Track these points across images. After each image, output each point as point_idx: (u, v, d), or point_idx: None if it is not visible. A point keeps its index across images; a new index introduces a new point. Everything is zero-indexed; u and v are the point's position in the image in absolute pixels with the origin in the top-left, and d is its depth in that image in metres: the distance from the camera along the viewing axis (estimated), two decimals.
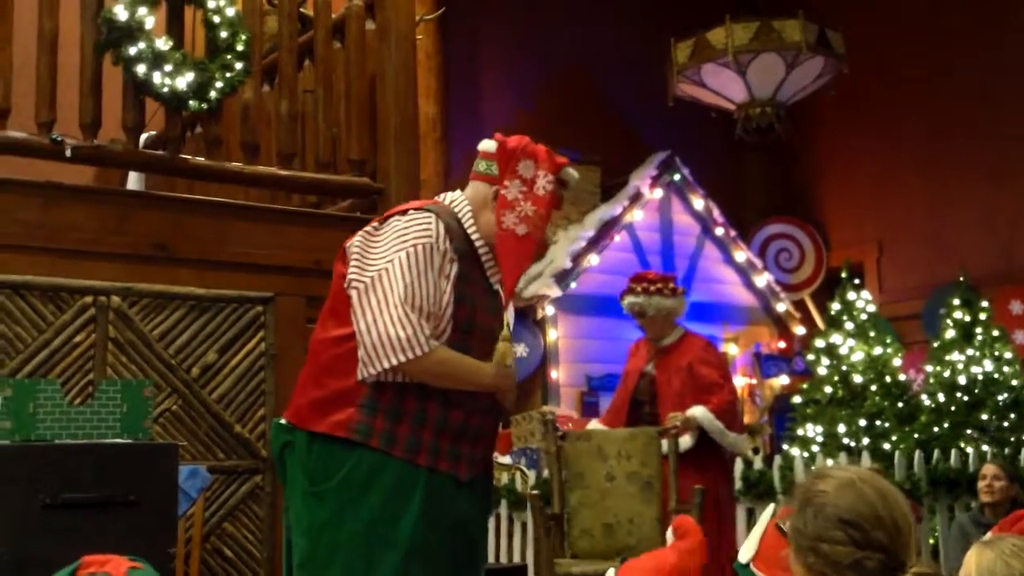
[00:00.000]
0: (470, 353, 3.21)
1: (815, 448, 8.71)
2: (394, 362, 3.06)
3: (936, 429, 8.71)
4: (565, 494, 5.57)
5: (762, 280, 12.62)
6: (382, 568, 3.07)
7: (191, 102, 5.25)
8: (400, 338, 3.05)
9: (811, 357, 9.55)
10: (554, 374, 11.20)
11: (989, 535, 2.45)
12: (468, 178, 3.53)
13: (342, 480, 3.11)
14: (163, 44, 5.15)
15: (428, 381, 3.15)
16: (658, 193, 12.06)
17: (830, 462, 7.83)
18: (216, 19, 5.31)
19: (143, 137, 5.61)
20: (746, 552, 2.47)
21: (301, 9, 6.30)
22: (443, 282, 3.16)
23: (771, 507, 2.55)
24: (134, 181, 6.54)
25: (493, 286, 3.33)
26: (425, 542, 3.11)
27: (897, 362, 9.27)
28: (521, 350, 10.68)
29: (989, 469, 6.61)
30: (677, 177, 12.17)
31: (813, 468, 7.65)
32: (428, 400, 3.16)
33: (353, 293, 3.15)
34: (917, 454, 7.77)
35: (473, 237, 3.28)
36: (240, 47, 5.32)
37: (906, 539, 2.10)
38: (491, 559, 7.89)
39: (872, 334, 9.29)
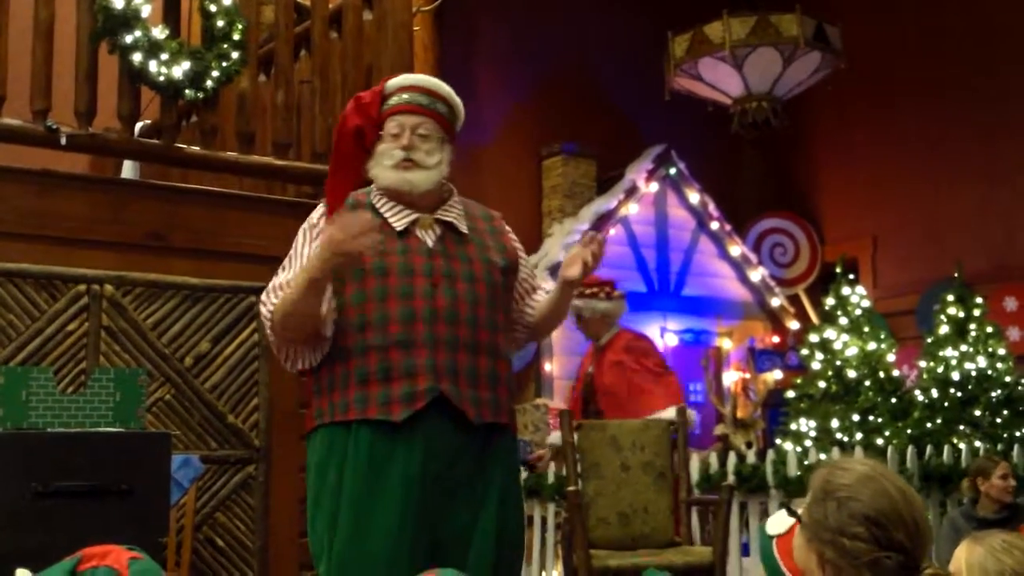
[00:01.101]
0: (384, 293, 3.10)
1: (808, 443, 8.71)
2: (270, 335, 3.21)
3: (929, 425, 8.71)
4: (581, 484, 5.61)
5: (757, 275, 12.63)
6: (336, 535, 3.06)
7: (187, 91, 5.25)
8: (264, 315, 3.20)
9: (805, 352, 9.55)
10: (547, 367, 11.21)
11: None
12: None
13: (315, 467, 3.16)
14: (159, 32, 5.15)
15: (297, 327, 3.12)
16: (654, 187, 12.06)
17: (823, 457, 7.82)
18: (212, 8, 5.31)
19: (138, 126, 5.60)
20: (774, 526, 2.44)
21: None
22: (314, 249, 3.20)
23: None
24: (129, 170, 6.53)
25: (396, 227, 3.17)
26: (371, 496, 3.03)
27: (891, 358, 9.27)
28: None
29: (1005, 467, 6.55)
30: (673, 171, 12.18)
31: (806, 462, 7.65)
32: (347, 359, 3.12)
33: None
34: (910, 450, 7.77)
35: (374, 199, 3.25)
36: (236, 36, 5.32)
37: (924, 539, 2.08)
38: None
39: (866, 329, 9.29)
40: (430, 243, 3.18)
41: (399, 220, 3.20)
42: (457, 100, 3.34)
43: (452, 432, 3.07)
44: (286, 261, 3.26)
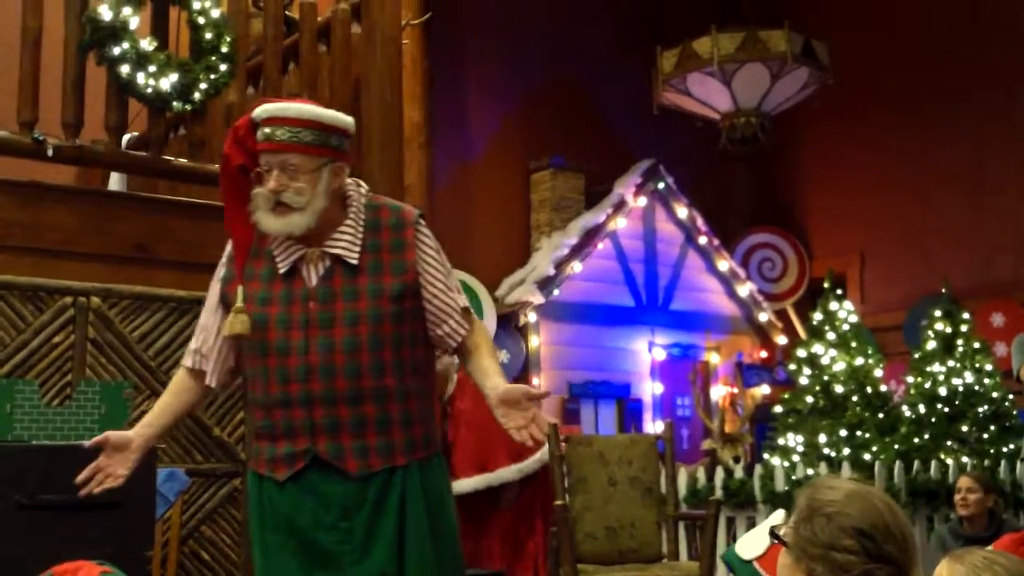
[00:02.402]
0: (264, 349, 3.08)
1: (796, 458, 8.72)
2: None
3: (916, 440, 8.72)
4: (568, 499, 5.60)
5: (745, 289, 12.64)
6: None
7: (175, 103, 5.24)
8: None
9: (793, 367, 9.56)
10: (536, 381, 11.20)
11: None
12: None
13: None
14: (147, 44, 5.14)
15: None
16: (642, 201, 12.06)
17: (810, 472, 7.82)
18: (201, 20, 5.30)
19: (125, 138, 5.59)
20: (749, 550, 2.42)
21: (287, 12, 6.29)
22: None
23: (780, 513, 2.52)
24: (116, 182, 6.52)
25: (280, 269, 3.10)
26: (267, 545, 3.08)
27: (878, 373, 9.28)
28: (503, 357, 10.67)
29: (964, 482, 6.60)
30: (661, 185, 12.18)
31: (794, 477, 7.65)
32: (249, 407, 3.21)
33: None
34: (897, 465, 7.79)
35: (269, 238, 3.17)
36: (225, 49, 5.32)
37: (913, 554, 2.09)
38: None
39: (854, 345, 9.30)
40: (312, 283, 3.09)
41: (284, 260, 3.12)
42: (327, 117, 3.13)
43: (341, 483, 3.04)
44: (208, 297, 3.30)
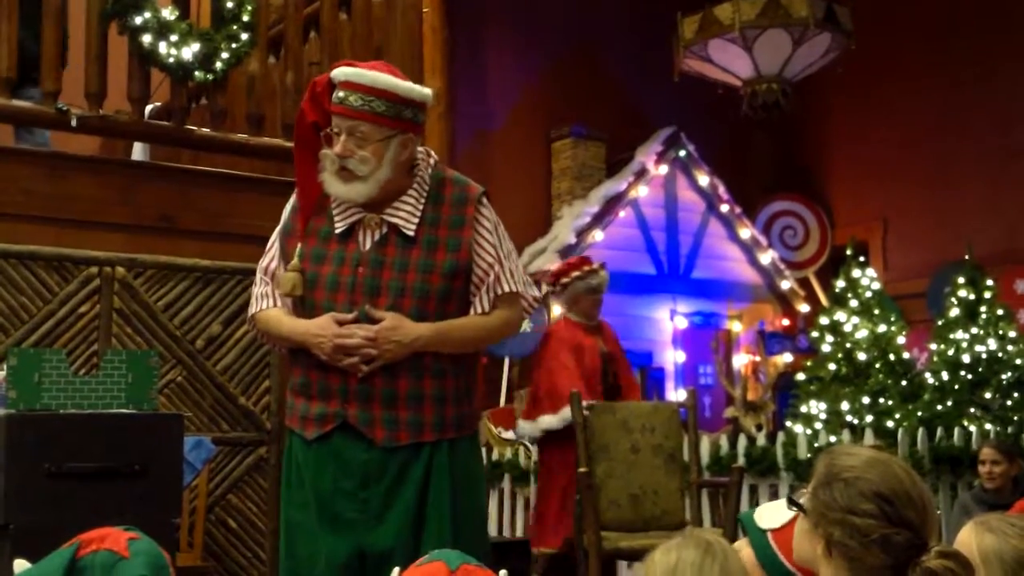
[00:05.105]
0: (311, 308, 3.08)
1: (818, 425, 8.71)
2: (250, 322, 3.30)
3: (939, 407, 8.70)
4: (592, 466, 5.62)
5: (767, 257, 12.61)
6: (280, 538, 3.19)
7: (196, 73, 5.25)
8: (252, 303, 3.27)
9: (815, 334, 9.54)
10: None
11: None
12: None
13: None
14: (168, 14, 5.15)
15: (272, 343, 3.31)
16: (663, 169, 12.04)
17: (833, 439, 7.81)
18: None
19: (148, 108, 5.61)
20: (768, 519, 2.42)
21: None
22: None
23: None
24: (139, 152, 6.53)
25: (337, 228, 3.11)
26: (291, 501, 3.12)
27: (901, 340, 9.26)
28: (526, 326, 10.64)
29: (987, 454, 6.58)
30: (682, 153, 12.15)
31: (816, 445, 7.65)
32: (293, 365, 3.18)
33: None
34: (920, 432, 7.76)
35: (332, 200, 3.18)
36: (246, 17, 5.32)
37: (932, 519, 2.08)
38: (493, 533, 7.91)
39: (876, 312, 9.28)
40: (366, 248, 3.09)
41: (342, 221, 3.13)
42: (402, 88, 3.09)
43: (365, 452, 3.03)
44: (270, 241, 3.28)
